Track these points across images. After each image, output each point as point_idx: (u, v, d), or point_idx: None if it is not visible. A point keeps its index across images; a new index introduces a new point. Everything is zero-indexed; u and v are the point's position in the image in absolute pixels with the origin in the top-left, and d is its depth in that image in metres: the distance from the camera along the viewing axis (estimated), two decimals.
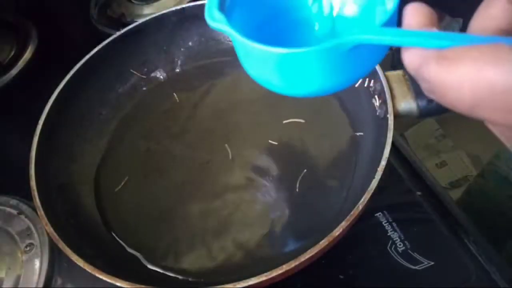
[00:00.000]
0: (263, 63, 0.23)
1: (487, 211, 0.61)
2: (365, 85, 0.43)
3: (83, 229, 0.41)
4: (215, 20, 0.23)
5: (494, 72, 0.16)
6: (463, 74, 0.16)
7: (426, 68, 0.18)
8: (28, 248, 0.42)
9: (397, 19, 0.22)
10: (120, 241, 0.41)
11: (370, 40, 0.20)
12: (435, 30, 0.19)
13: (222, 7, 0.24)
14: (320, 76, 0.22)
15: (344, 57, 0.21)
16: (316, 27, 0.28)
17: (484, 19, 0.20)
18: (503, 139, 0.19)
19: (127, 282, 0.32)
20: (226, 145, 0.46)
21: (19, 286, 0.40)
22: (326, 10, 0.28)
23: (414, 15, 0.19)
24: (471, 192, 0.69)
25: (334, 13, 0.28)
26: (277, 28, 0.28)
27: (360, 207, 0.33)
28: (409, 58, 0.19)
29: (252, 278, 0.31)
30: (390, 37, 0.19)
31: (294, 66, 0.21)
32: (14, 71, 0.59)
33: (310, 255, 0.31)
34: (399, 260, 0.39)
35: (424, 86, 0.19)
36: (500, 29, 0.19)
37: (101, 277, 0.32)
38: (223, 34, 0.55)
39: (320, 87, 0.23)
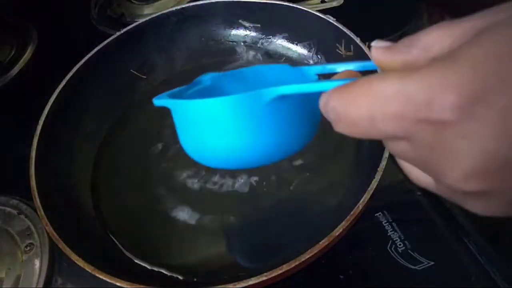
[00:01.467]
0: (195, 123, 0.23)
1: None
2: None
3: (83, 229, 0.41)
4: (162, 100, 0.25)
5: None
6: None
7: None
8: (28, 248, 0.42)
9: None
10: (117, 243, 0.41)
11: (291, 91, 0.21)
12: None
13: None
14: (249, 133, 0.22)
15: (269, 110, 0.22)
16: None
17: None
18: None
19: (127, 282, 0.32)
20: None
21: (19, 286, 0.40)
22: None
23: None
24: None
25: None
26: None
27: (360, 207, 0.33)
28: (322, 103, 0.19)
29: (252, 278, 0.31)
30: (309, 86, 0.20)
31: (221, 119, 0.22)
32: (14, 71, 0.59)
33: (310, 255, 0.31)
34: (399, 260, 0.39)
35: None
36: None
37: (101, 277, 0.32)
38: (223, 34, 0.55)
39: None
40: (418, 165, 0.18)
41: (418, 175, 0.20)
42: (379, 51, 0.19)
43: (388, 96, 0.16)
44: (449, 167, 0.16)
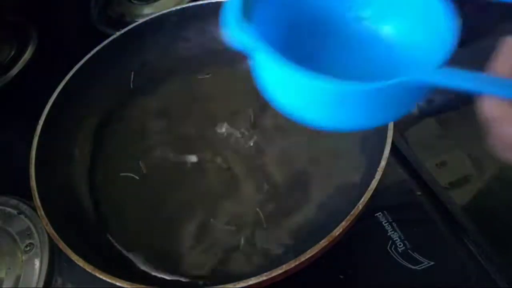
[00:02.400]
0: (305, 92, 0.19)
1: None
2: None
3: (83, 229, 0.41)
4: (241, 33, 0.19)
5: None
6: None
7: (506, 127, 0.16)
8: (28, 248, 0.42)
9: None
10: (117, 245, 0.41)
11: (436, 82, 0.17)
12: None
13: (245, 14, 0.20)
14: (365, 111, 0.20)
15: (392, 95, 0.19)
16: (349, 41, 0.24)
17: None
18: None
19: (127, 282, 0.32)
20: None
21: (19, 286, 0.40)
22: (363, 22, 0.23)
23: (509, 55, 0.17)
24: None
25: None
26: (305, 38, 0.24)
27: (360, 207, 0.33)
28: (488, 106, 0.17)
29: (252, 278, 0.31)
30: (460, 82, 0.17)
31: (339, 99, 0.19)
32: (14, 71, 0.59)
33: (310, 255, 0.31)
34: (399, 260, 0.39)
35: (496, 141, 0.17)
36: None
37: (101, 277, 0.32)
38: (223, 34, 0.55)
39: (360, 122, 0.21)
40: None
41: None
42: None
43: None
44: None
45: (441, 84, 0.17)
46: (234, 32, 0.19)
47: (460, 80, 0.17)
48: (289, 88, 0.20)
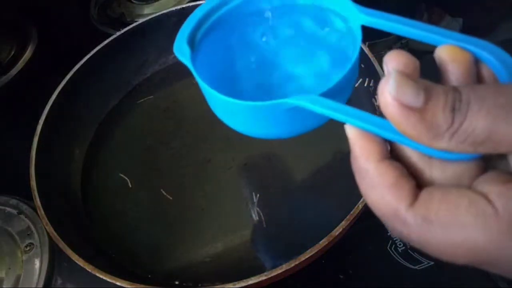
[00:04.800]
0: (215, 103, 0.24)
1: None
2: (365, 85, 0.43)
3: (83, 229, 0.41)
4: (182, 54, 0.24)
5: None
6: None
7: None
8: (28, 248, 0.42)
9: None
10: (110, 248, 0.41)
11: (305, 106, 0.20)
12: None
13: (192, 40, 0.25)
14: (266, 124, 0.23)
15: (287, 112, 0.21)
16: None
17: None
18: None
19: (127, 282, 0.32)
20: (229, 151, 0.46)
21: (19, 286, 0.40)
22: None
23: (392, 61, 0.18)
24: None
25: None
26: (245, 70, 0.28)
27: (360, 207, 0.33)
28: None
29: (252, 278, 0.31)
30: (322, 109, 0.19)
31: (240, 112, 0.23)
32: (14, 71, 0.59)
33: (310, 255, 0.31)
34: (399, 260, 0.39)
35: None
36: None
37: (101, 276, 0.32)
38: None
39: (268, 132, 0.23)
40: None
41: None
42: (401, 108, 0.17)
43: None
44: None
45: (308, 108, 0.19)
46: (176, 50, 0.24)
47: (321, 107, 0.19)
48: (209, 99, 0.24)
